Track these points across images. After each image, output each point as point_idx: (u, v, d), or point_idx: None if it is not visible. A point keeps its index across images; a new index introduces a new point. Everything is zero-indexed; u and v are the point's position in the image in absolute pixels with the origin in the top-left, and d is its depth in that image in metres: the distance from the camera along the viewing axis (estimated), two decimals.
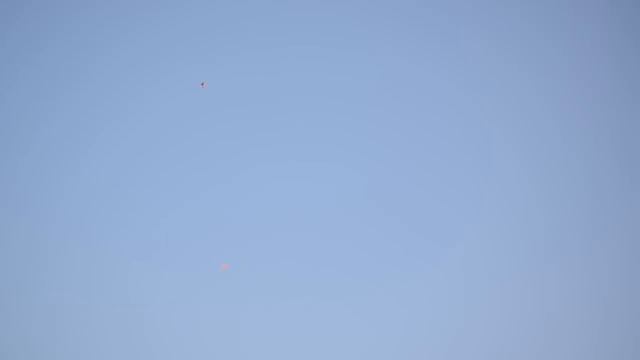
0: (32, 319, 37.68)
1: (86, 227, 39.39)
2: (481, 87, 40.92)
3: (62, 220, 39.40)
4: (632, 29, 40.20)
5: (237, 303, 38.34)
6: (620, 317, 36.71)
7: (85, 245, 39.04)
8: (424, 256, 38.86)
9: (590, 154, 39.50)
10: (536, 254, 38.34)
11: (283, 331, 37.90)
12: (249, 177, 40.43)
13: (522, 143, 40.09)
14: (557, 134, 39.99)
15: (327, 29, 42.21)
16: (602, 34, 40.63)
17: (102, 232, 39.27)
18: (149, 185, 40.33)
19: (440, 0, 41.75)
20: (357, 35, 41.97)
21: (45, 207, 39.54)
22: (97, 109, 41.24)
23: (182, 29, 42.03)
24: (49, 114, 40.87)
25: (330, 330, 37.85)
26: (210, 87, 41.43)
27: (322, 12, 42.24)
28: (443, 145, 40.49)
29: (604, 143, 39.46)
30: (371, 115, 41.17)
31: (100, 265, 38.72)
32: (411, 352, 37.27)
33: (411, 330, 37.59)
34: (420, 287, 38.33)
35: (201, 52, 41.78)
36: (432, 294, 38.19)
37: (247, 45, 42.01)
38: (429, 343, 37.38)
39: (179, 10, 42.17)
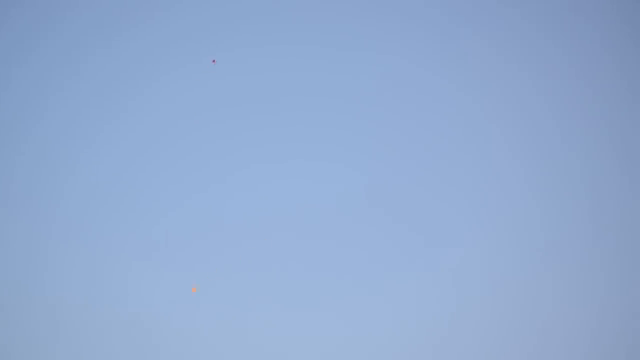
0: (32, 319, 37.72)
1: (85, 227, 39.44)
2: (482, 87, 40.94)
3: (60, 220, 39.42)
4: (633, 30, 40.24)
5: (236, 303, 38.42)
6: (618, 323, 36.79)
7: (84, 245, 39.08)
8: (424, 258, 38.92)
9: (592, 156, 39.48)
10: (538, 257, 38.37)
11: (282, 332, 37.98)
12: (249, 176, 40.50)
13: (523, 144, 40.09)
14: (559, 136, 39.99)
15: (326, 28, 42.26)
16: (602, 34, 40.65)
17: (102, 232, 39.32)
18: (149, 185, 40.39)
19: (442, 2, 41.83)
20: (357, 34, 42.01)
21: (43, 207, 39.57)
22: (94, 109, 41.25)
23: (178, 28, 42.03)
24: (45, 114, 40.90)
25: (328, 332, 37.93)
26: (209, 87, 41.47)
27: (322, 11, 42.26)
28: (443, 146, 40.54)
29: (606, 146, 39.46)
30: (371, 115, 41.21)
31: (100, 266, 38.78)
32: (410, 355, 37.34)
33: (410, 332, 37.67)
34: (420, 289, 38.39)
35: (199, 50, 41.82)
36: (433, 296, 38.25)
37: (245, 44, 42.04)
38: (429, 346, 37.46)
39: (174, 10, 42.18)
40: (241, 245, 39.22)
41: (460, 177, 40.07)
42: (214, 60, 39.70)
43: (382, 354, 37.49)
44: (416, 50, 41.61)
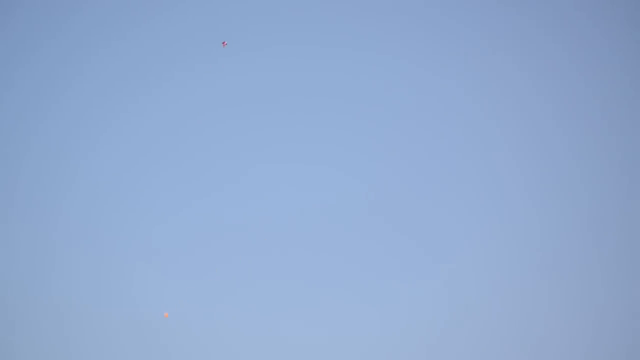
0: (38, 319, 37.89)
1: (91, 229, 39.51)
2: (484, 88, 40.83)
3: (69, 223, 39.48)
4: (634, 31, 40.15)
5: (236, 305, 38.53)
6: (617, 331, 36.77)
7: (91, 248, 39.14)
8: (424, 262, 38.88)
9: (593, 161, 39.32)
10: (537, 265, 38.25)
11: (282, 332, 38.06)
12: (252, 179, 40.48)
13: (527, 151, 39.88)
14: (565, 146, 39.79)
15: (326, 28, 42.23)
16: (604, 34, 40.55)
17: (106, 234, 39.40)
18: (154, 188, 40.45)
19: (443, 2, 41.77)
20: (357, 35, 41.98)
21: (49, 210, 39.68)
22: (98, 112, 41.33)
23: (180, 31, 42.08)
24: (49, 115, 41.00)
25: (326, 334, 37.98)
26: (212, 88, 41.57)
27: (324, 12, 42.28)
28: (445, 150, 40.40)
29: (607, 151, 39.26)
30: (371, 116, 41.17)
31: (105, 267, 38.85)
32: (407, 356, 37.44)
33: (411, 335, 37.70)
34: (421, 293, 38.35)
35: (201, 53, 41.88)
36: (433, 300, 38.23)
37: (246, 45, 42.07)
38: (425, 347, 37.55)
39: (177, 12, 42.25)
40: (242, 248, 39.34)
41: (461, 183, 39.93)
42: (224, 43, 39.65)
43: (379, 356, 37.60)
44: (417, 50, 41.61)
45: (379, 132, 40.97)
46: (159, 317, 37.89)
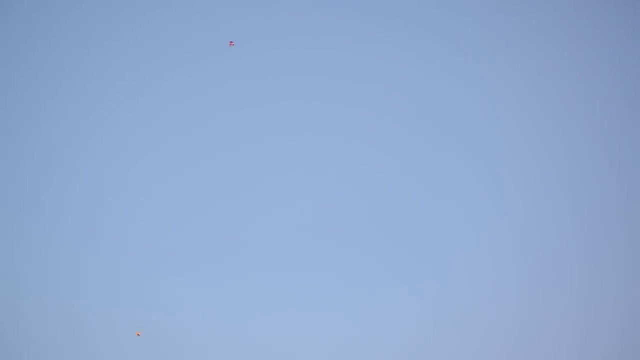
0: (44, 321, 37.90)
1: (96, 232, 39.50)
2: (484, 89, 40.80)
3: (74, 225, 39.52)
4: (634, 31, 40.11)
5: (237, 307, 38.54)
6: (614, 335, 36.67)
7: (94, 249, 39.20)
8: (423, 265, 38.88)
9: (596, 167, 39.24)
10: (536, 268, 38.21)
11: (281, 336, 38.05)
12: (258, 186, 40.47)
13: (527, 150, 39.83)
14: (565, 145, 39.68)
15: (327, 30, 42.26)
16: (604, 34, 40.53)
17: (110, 237, 39.39)
18: (163, 192, 40.48)
19: (443, 2, 41.74)
20: (359, 36, 41.99)
21: (56, 213, 39.68)
22: (103, 114, 41.36)
23: (182, 33, 42.06)
24: (56, 116, 41.04)
25: (326, 336, 37.97)
26: (212, 93, 41.58)
27: (324, 14, 42.29)
28: (444, 150, 40.38)
29: (610, 154, 39.18)
30: (372, 122, 41.18)
31: (109, 270, 38.90)
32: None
33: (409, 336, 37.69)
34: (418, 297, 38.32)
35: (202, 56, 41.88)
36: (431, 304, 38.21)
37: (247, 49, 42.06)
38: (425, 349, 37.50)
39: (179, 12, 42.24)
40: (243, 251, 39.40)
41: (461, 183, 39.83)
42: (231, 42, 39.66)
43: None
44: (417, 51, 41.52)
45: (380, 132, 40.98)
46: (159, 318, 37.94)
